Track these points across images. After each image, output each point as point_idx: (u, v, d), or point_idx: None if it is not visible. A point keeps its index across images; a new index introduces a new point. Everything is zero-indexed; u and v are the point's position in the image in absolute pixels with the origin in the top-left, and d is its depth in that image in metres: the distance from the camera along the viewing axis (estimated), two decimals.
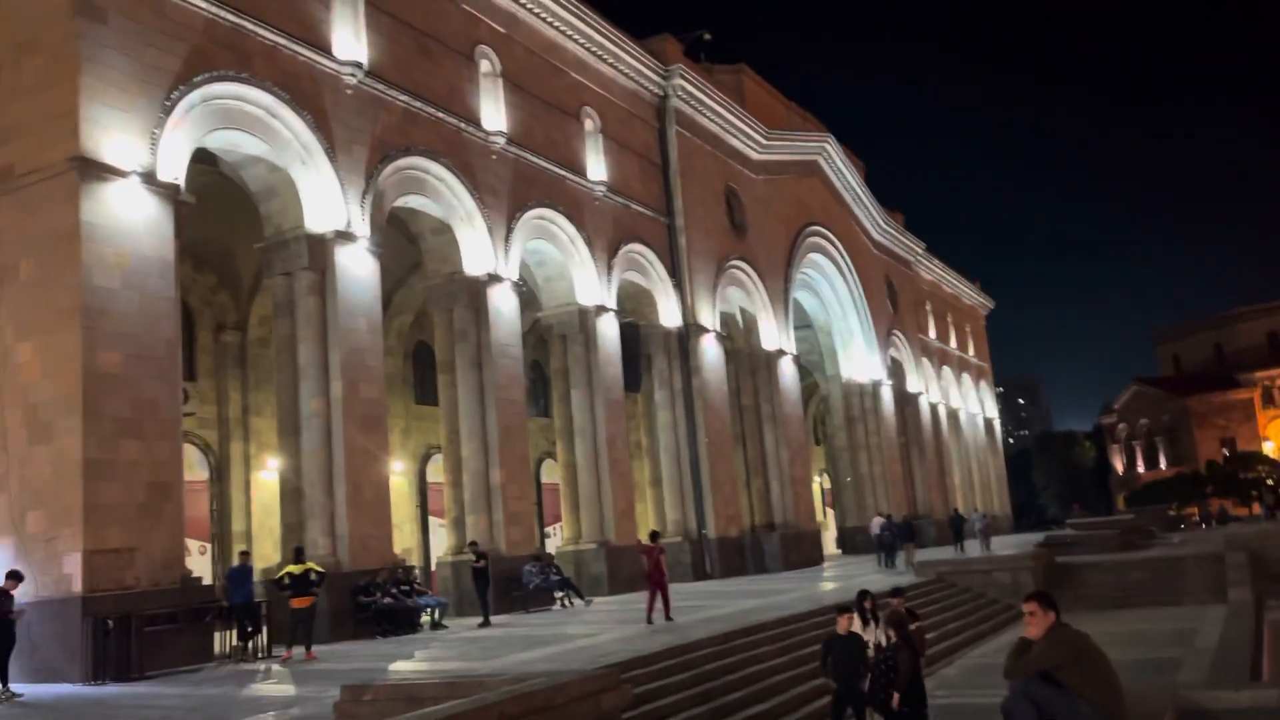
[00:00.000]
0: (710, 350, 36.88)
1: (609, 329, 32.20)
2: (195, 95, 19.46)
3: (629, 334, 33.37)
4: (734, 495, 37.26)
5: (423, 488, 35.68)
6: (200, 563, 27.07)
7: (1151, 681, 12.71)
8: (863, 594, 13.28)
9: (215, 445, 30.35)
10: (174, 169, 18.87)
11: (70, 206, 17.02)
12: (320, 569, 19.04)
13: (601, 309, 31.81)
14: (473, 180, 26.73)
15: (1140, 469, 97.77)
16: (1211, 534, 43.69)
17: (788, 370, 42.68)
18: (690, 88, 37.58)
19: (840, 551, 51.16)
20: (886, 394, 53.47)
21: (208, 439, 30.11)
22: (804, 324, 49.96)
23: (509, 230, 27.93)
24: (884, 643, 11.69)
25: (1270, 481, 73.51)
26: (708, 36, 41.20)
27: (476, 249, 26.95)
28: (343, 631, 20.46)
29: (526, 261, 30.26)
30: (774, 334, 42.01)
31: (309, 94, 22.17)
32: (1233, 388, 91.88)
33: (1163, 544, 37.82)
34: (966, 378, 72.35)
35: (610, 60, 34.06)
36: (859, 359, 51.83)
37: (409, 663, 16.64)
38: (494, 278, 27.10)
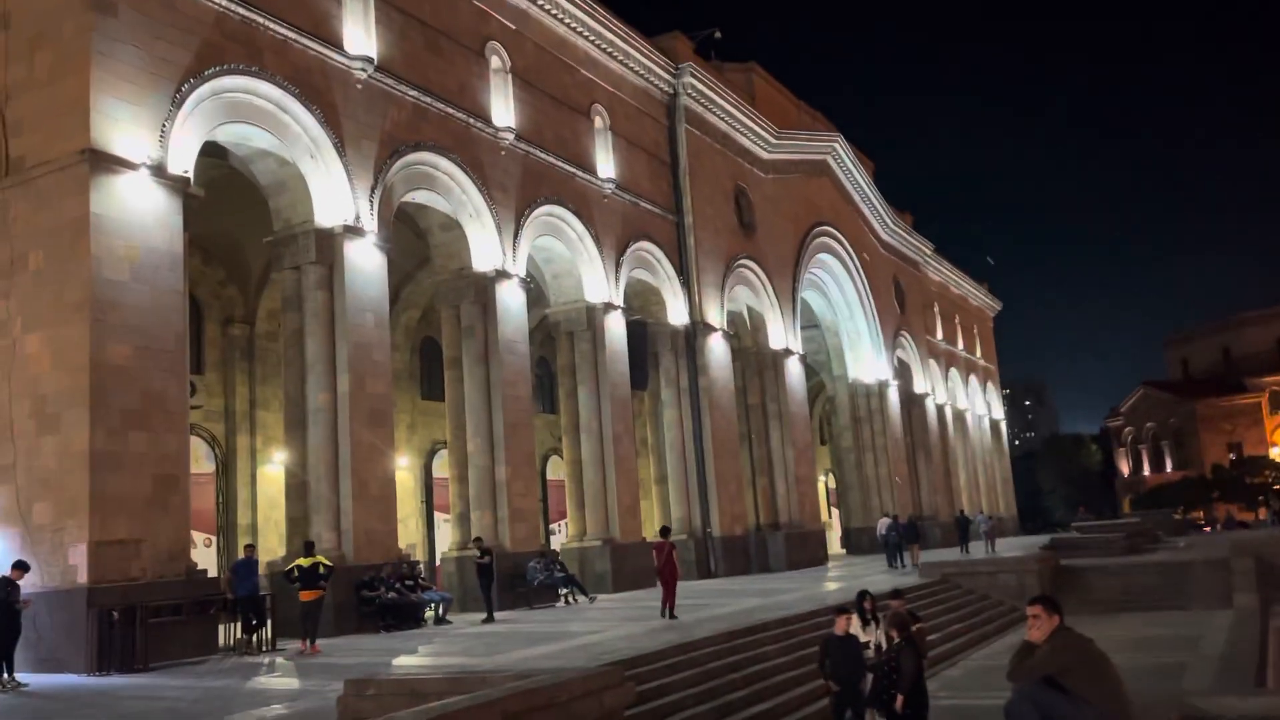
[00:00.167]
0: (717, 349, 36.86)
1: (616, 326, 32.20)
2: (205, 89, 19.48)
3: (636, 332, 33.33)
4: (739, 494, 37.25)
5: (428, 483, 35.76)
6: (206, 555, 27.20)
7: (1157, 687, 12.68)
8: (862, 594, 13.28)
9: (222, 438, 30.46)
10: (184, 162, 18.91)
11: (80, 199, 17.07)
12: (329, 563, 19.11)
13: (609, 306, 31.81)
14: (482, 176, 26.73)
15: (1146, 472, 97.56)
16: (1217, 538, 43.54)
17: (794, 370, 42.66)
18: (701, 86, 37.55)
19: (845, 551, 51.16)
20: (893, 395, 53.39)
21: (214, 432, 30.22)
22: (811, 324, 49.89)
23: (517, 227, 27.93)
24: (884, 644, 11.67)
25: (1277, 486, 73.27)
26: (718, 35, 41.08)
27: (485, 245, 26.95)
28: (347, 625, 20.52)
29: (534, 258, 30.28)
30: (781, 333, 41.98)
31: (319, 89, 22.19)
32: (1240, 392, 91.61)
33: (1168, 548, 37.69)
34: (973, 379, 72.17)
35: (620, 58, 34.02)
36: (866, 359, 51.77)
37: (412, 657, 16.67)
38: (502, 274, 27.10)
